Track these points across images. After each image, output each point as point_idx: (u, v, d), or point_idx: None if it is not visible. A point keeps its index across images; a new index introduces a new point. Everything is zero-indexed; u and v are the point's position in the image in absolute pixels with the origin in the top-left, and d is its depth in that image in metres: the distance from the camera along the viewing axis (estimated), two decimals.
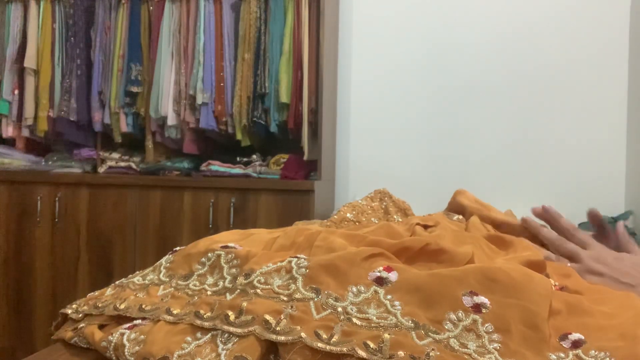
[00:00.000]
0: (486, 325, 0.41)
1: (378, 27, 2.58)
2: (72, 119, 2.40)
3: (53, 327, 0.55)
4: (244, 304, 0.43)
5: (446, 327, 0.41)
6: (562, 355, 0.39)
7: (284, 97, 2.23)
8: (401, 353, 0.38)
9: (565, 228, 0.71)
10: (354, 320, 0.41)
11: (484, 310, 0.42)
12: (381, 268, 0.47)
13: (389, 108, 2.57)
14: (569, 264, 0.64)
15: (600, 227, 0.76)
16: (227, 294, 0.47)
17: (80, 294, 2.22)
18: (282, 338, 0.39)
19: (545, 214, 0.75)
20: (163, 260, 0.59)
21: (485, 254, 0.60)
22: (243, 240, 0.61)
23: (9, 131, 2.48)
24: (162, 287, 0.53)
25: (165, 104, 2.31)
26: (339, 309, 0.43)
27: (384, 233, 0.66)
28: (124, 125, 2.39)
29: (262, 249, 0.56)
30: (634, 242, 0.71)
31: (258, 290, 0.45)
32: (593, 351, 0.39)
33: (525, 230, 0.74)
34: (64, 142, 2.52)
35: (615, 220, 2.25)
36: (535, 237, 0.72)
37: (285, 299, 0.44)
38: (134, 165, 2.42)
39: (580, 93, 2.40)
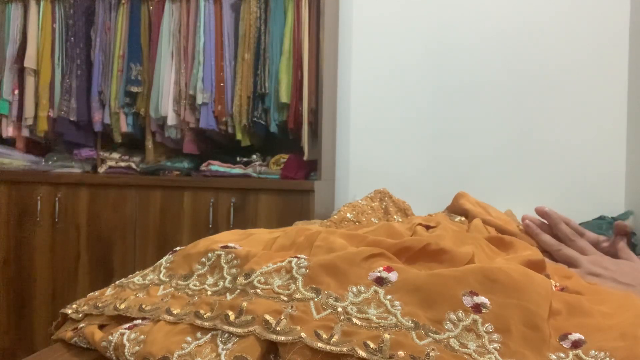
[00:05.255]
0: (486, 325, 0.41)
1: (378, 27, 2.58)
2: (72, 119, 2.40)
3: (53, 327, 0.55)
4: (244, 304, 0.43)
5: (446, 327, 0.41)
6: (562, 355, 0.39)
7: (284, 97, 2.23)
8: (401, 353, 0.38)
9: (565, 234, 0.71)
10: (354, 320, 0.41)
11: (484, 310, 0.42)
12: (381, 268, 0.47)
13: (389, 108, 2.57)
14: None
15: (627, 236, 0.75)
16: (227, 294, 0.47)
17: (80, 294, 2.22)
18: (282, 338, 0.39)
19: (546, 217, 0.74)
20: (163, 260, 0.59)
21: (485, 255, 0.60)
22: (243, 240, 0.61)
23: (9, 131, 2.48)
24: (162, 287, 0.53)
25: (165, 104, 2.31)
26: (339, 309, 0.43)
27: (385, 233, 0.66)
28: (124, 125, 2.39)
29: (262, 249, 0.56)
30: (632, 254, 0.71)
31: (258, 290, 0.45)
32: (593, 351, 0.39)
33: (526, 236, 0.74)
34: (64, 142, 2.52)
35: (615, 220, 2.24)
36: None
37: (285, 299, 0.44)
38: (134, 165, 2.42)
39: (580, 93, 2.40)
